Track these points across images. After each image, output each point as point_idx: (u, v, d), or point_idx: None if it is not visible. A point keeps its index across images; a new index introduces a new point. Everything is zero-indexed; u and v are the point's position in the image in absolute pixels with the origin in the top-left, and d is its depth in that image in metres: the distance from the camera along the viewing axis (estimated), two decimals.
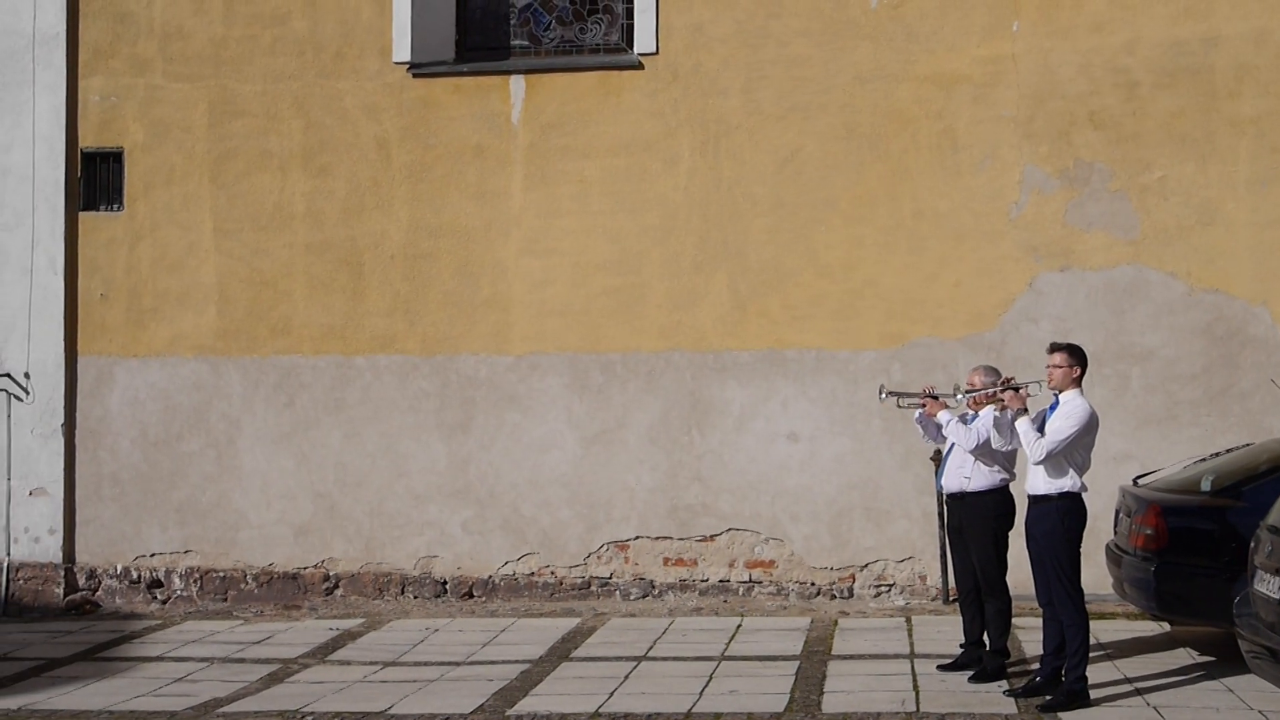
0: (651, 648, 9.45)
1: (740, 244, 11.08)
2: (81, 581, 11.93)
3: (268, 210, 11.74)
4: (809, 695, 7.98)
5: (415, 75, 11.57)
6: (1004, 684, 8.01)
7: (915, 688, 8.07)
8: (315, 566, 11.62)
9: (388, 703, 8.18)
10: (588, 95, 11.36)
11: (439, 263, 11.50)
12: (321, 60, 11.70)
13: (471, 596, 11.34)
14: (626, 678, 8.60)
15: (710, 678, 8.50)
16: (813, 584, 10.90)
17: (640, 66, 11.30)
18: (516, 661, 9.18)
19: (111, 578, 11.89)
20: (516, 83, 11.50)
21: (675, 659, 9.10)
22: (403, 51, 11.58)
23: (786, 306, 11.01)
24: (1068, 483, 7.62)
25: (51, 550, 11.93)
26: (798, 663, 8.84)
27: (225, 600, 11.67)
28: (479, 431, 11.41)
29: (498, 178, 11.45)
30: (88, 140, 12.02)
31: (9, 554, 11.97)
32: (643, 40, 11.34)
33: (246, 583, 11.68)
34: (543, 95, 11.43)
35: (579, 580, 11.22)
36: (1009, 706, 7.59)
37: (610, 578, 11.18)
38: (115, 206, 12.01)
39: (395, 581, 11.47)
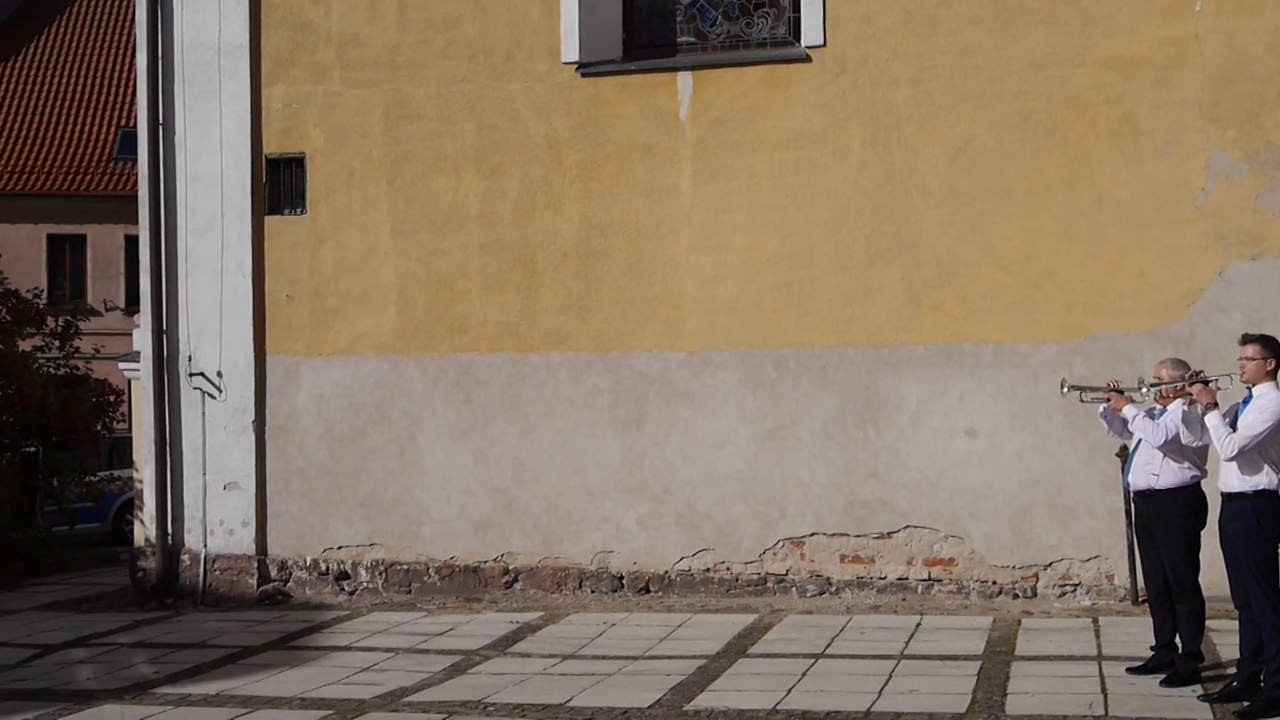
0: (829, 645, 9.40)
1: (913, 236, 10.92)
2: (273, 573, 12.40)
3: (443, 211, 12.00)
4: (992, 696, 7.84)
5: (583, 75, 11.68)
6: (1198, 688, 7.74)
7: (1103, 690, 7.86)
8: (495, 560, 11.85)
9: (567, 695, 8.29)
10: (755, 90, 11.32)
11: (610, 260, 11.60)
12: (492, 63, 11.90)
13: (648, 592, 11.43)
14: (804, 675, 8.56)
15: (890, 676, 8.40)
16: (994, 583, 10.69)
17: (808, 59, 11.21)
18: (693, 657, 9.20)
19: (301, 569, 12.33)
20: (684, 79, 11.51)
21: (853, 657, 9.03)
22: (571, 51, 11.69)
23: (962, 299, 10.80)
24: (1263, 480, 7.33)
25: (245, 542, 12.42)
26: (980, 663, 8.69)
27: (409, 592, 11.98)
28: (652, 428, 11.48)
29: (667, 174, 11.49)
30: (271, 146, 12.45)
31: (206, 545, 12.51)
32: (810, 33, 11.23)
33: (429, 575, 11.98)
34: (710, 91, 11.43)
35: (754, 577, 11.20)
36: (1204, 712, 7.34)
37: (786, 574, 11.13)
38: (298, 210, 12.42)
39: (573, 576, 11.63)
